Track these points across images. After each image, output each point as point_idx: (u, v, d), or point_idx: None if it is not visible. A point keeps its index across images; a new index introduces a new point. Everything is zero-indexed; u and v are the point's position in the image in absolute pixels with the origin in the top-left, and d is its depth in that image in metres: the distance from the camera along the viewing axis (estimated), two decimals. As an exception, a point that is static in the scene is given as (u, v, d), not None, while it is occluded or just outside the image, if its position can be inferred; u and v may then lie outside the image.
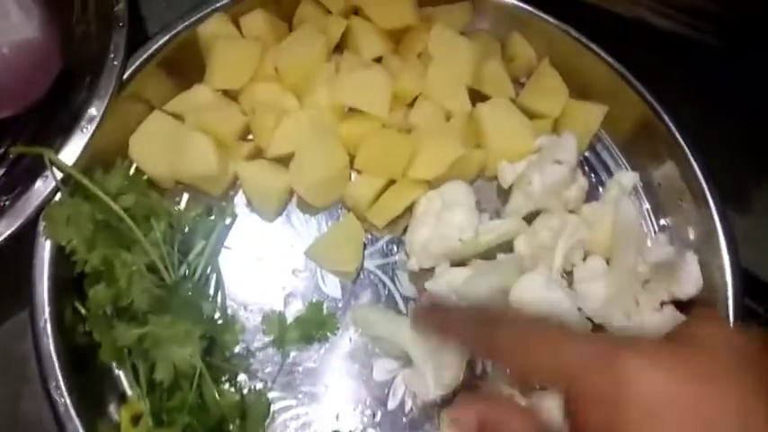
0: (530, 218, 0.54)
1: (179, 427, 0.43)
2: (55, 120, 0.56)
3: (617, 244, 0.51)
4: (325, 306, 0.52)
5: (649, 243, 0.53)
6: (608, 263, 0.52)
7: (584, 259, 0.53)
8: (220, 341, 0.47)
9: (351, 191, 0.54)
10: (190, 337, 0.44)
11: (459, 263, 0.53)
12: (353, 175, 0.55)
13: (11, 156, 0.54)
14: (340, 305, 0.53)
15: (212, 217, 0.53)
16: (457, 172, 0.54)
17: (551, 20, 0.59)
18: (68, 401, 0.44)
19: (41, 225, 0.47)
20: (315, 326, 0.51)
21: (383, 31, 0.57)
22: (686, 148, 0.56)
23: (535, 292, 0.46)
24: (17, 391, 0.50)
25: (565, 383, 0.32)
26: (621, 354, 0.30)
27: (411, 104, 0.57)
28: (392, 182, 0.54)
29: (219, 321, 0.48)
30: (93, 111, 0.50)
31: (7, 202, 0.50)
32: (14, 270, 0.49)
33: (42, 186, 0.48)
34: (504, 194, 0.56)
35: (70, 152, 0.49)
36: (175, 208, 0.51)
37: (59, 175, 0.48)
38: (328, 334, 0.51)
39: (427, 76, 0.55)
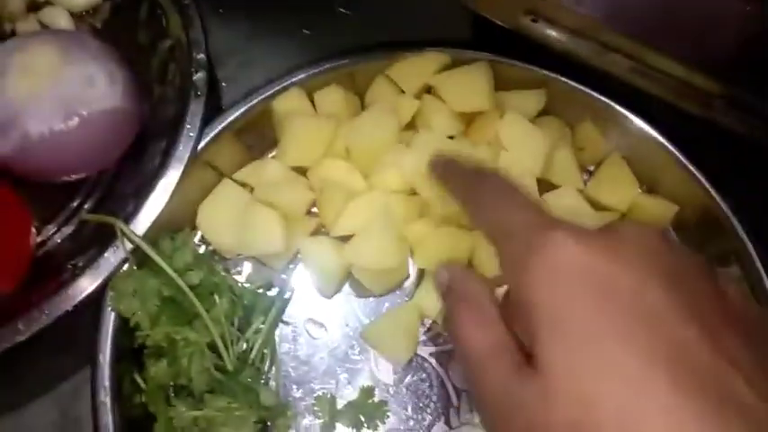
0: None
1: None
2: (127, 183, 0.57)
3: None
4: (376, 392, 0.52)
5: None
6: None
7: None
8: (273, 425, 0.47)
9: (420, 297, 0.54)
10: (245, 421, 0.45)
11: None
12: (420, 283, 0.55)
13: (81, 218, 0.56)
14: (391, 391, 0.53)
15: (272, 292, 0.53)
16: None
17: (625, 112, 0.59)
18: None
19: (108, 295, 0.48)
20: (365, 412, 0.51)
21: (455, 113, 0.57)
22: (754, 254, 0.55)
23: None
24: (71, 452, 0.50)
25: (493, 244, 0.35)
26: (548, 226, 0.33)
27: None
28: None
29: (274, 405, 0.48)
30: (166, 181, 0.51)
31: (78, 266, 0.51)
32: (77, 335, 0.50)
33: (112, 256, 0.49)
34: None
35: (141, 221, 0.50)
36: (238, 284, 0.51)
37: (128, 245, 0.49)
38: (378, 423, 0.51)
39: (498, 165, 0.55)
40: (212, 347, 0.47)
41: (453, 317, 0.36)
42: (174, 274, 0.46)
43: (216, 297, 0.48)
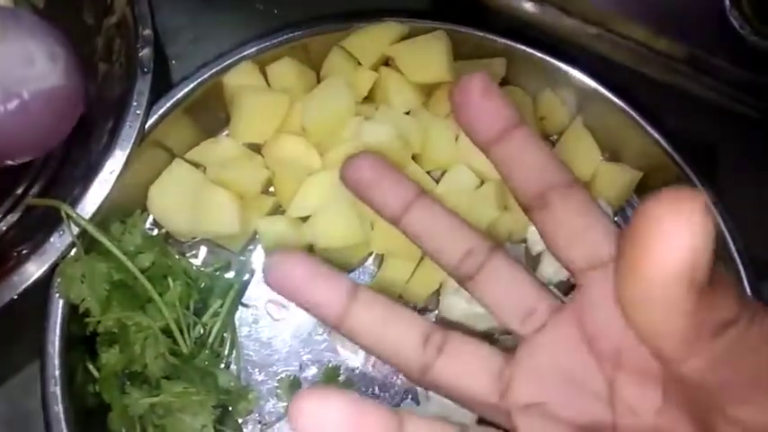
0: (560, 286, 0.52)
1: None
2: (73, 166, 0.55)
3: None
4: (342, 372, 0.51)
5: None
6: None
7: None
8: (234, 409, 0.46)
9: (379, 285, 0.52)
10: (203, 406, 0.43)
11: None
12: (380, 268, 0.53)
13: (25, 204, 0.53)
14: (357, 372, 0.52)
15: (230, 274, 0.51)
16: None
17: (585, 79, 0.58)
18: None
19: (56, 281, 0.46)
20: (330, 393, 0.49)
21: (414, 85, 0.55)
22: (720, 217, 0.54)
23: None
24: (22, 448, 0.48)
25: None
26: None
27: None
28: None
29: (233, 388, 0.46)
30: (113, 162, 0.49)
31: (23, 253, 0.49)
32: (26, 324, 0.47)
33: (58, 241, 0.47)
34: (533, 260, 0.55)
35: (88, 204, 0.48)
36: (193, 266, 0.49)
37: (75, 229, 0.47)
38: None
39: (460, 137, 0.54)
40: (167, 332, 0.45)
41: None
42: (123, 257, 0.44)
43: (169, 280, 0.46)
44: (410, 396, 0.51)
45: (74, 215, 0.46)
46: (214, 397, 0.43)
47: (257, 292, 0.53)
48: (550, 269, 0.52)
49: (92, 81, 0.54)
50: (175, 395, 0.42)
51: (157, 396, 0.43)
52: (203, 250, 0.53)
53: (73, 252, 0.46)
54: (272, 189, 0.55)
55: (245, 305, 0.52)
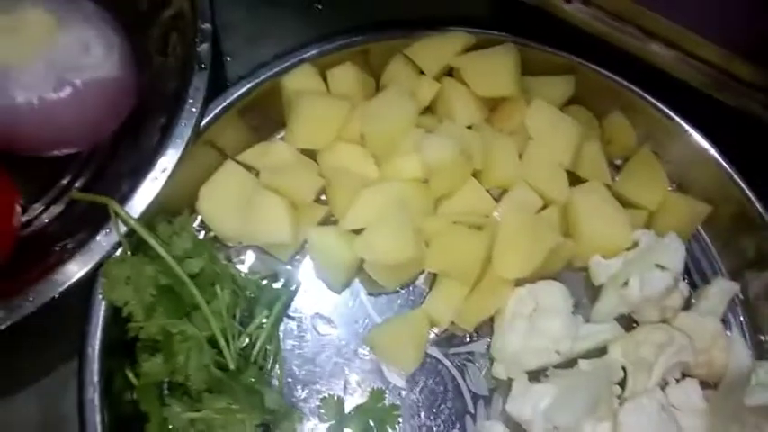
0: (620, 320, 0.50)
1: None
2: (120, 162, 0.53)
3: (723, 388, 0.46)
4: (387, 395, 0.48)
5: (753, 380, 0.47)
6: (701, 384, 0.48)
7: (678, 380, 0.48)
8: (276, 429, 0.44)
9: (431, 305, 0.50)
10: (246, 424, 0.41)
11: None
12: (433, 287, 0.51)
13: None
14: (402, 394, 0.49)
15: (278, 284, 0.49)
16: (545, 265, 0.49)
17: (657, 104, 0.55)
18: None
19: (100, 282, 0.44)
20: (375, 417, 0.47)
21: (478, 98, 0.53)
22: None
23: (646, 418, 0.42)
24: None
25: None
26: None
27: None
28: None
29: (279, 409, 0.44)
30: (165, 160, 0.47)
31: (66, 249, 0.47)
32: (64, 324, 0.45)
33: (104, 240, 0.45)
34: (592, 289, 0.52)
35: (137, 202, 0.46)
36: (241, 275, 0.47)
37: (123, 228, 0.45)
38: (388, 428, 0.47)
39: (524, 156, 0.51)
40: (212, 342, 0.43)
41: None
42: (172, 262, 0.42)
43: (217, 288, 0.44)
44: (458, 426, 0.48)
45: (122, 213, 0.44)
46: (258, 415, 0.41)
47: (303, 304, 0.51)
48: (612, 302, 0.50)
49: (144, 74, 0.52)
50: (218, 411, 0.40)
51: (199, 411, 0.41)
52: (250, 256, 0.51)
53: (118, 252, 0.44)
54: (323, 197, 0.53)
55: (291, 317, 0.50)
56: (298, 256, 0.52)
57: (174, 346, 0.41)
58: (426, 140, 0.50)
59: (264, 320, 0.46)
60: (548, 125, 0.52)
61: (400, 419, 0.47)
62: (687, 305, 0.52)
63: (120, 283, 0.43)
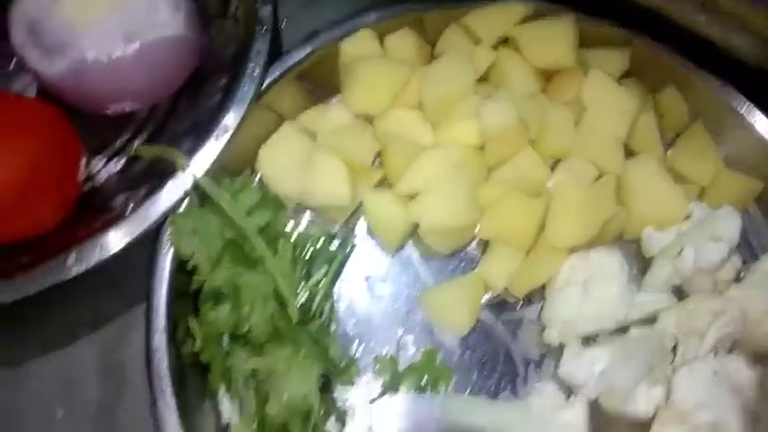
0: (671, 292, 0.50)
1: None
2: (178, 120, 0.54)
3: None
4: (439, 356, 0.49)
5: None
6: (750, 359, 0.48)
7: (729, 351, 0.48)
8: (335, 380, 0.44)
9: (486, 269, 0.50)
10: (309, 373, 0.41)
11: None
12: (486, 253, 0.51)
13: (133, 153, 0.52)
14: (454, 356, 0.50)
15: (335, 245, 0.50)
16: (597, 236, 0.50)
17: (712, 80, 0.55)
18: (176, 420, 0.42)
19: (166, 232, 0.45)
20: (428, 377, 0.48)
21: (535, 69, 0.53)
22: None
23: (700, 383, 0.42)
24: (115, 397, 0.47)
25: None
26: None
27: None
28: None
29: (341, 360, 0.45)
30: (229, 119, 0.48)
31: (135, 200, 0.47)
32: (125, 275, 0.47)
33: (170, 192, 0.46)
34: (643, 261, 0.52)
35: (201, 159, 0.47)
36: (299, 232, 0.48)
37: (189, 180, 0.46)
38: (441, 387, 0.48)
39: (580, 127, 0.52)
40: (275, 296, 0.44)
41: None
42: (238, 215, 0.43)
43: (280, 243, 0.45)
44: (509, 387, 0.49)
45: (189, 168, 0.45)
46: (320, 365, 0.42)
47: (357, 265, 0.51)
48: (664, 273, 0.50)
49: (205, 35, 0.53)
50: (281, 359, 0.41)
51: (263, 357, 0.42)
52: (306, 217, 0.52)
53: (184, 206, 0.45)
54: (379, 162, 0.53)
55: (345, 278, 0.51)
56: (353, 219, 0.53)
57: (240, 297, 0.42)
58: (484, 106, 0.50)
59: (322, 278, 0.47)
60: (604, 97, 0.52)
61: (454, 378, 0.48)
62: (737, 280, 0.52)
63: (187, 234, 0.44)
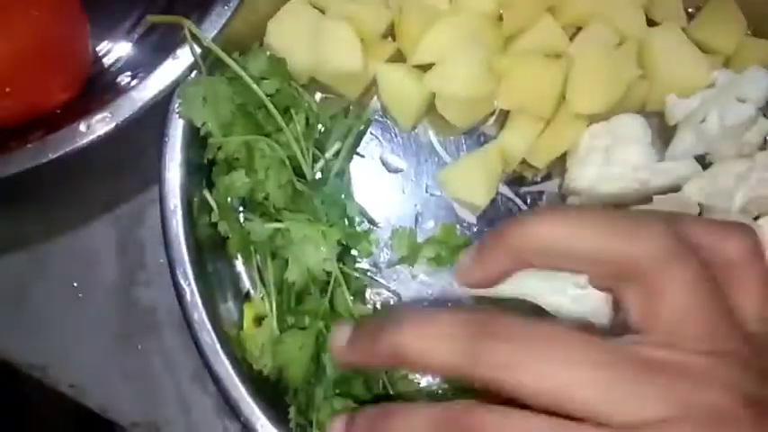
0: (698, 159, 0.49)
1: (311, 332, 0.40)
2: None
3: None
4: (458, 230, 0.48)
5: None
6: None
7: (757, 218, 0.47)
8: (354, 249, 0.44)
9: (505, 140, 0.49)
10: (327, 239, 0.41)
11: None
12: (505, 125, 0.50)
13: (143, 28, 0.51)
14: (474, 230, 0.49)
15: (350, 118, 0.48)
16: (619, 106, 0.48)
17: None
18: (195, 289, 0.41)
19: (176, 103, 0.44)
20: (447, 249, 0.47)
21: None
22: None
23: None
24: (131, 276, 0.47)
25: None
26: None
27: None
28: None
29: (358, 224, 0.44)
30: (236, -15, 0.46)
31: (135, 79, 0.46)
32: (140, 151, 0.46)
33: (174, 65, 0.44)
34: (667, 132, 0.51)
35: (208, 28, 0.45)
36: (314, 104, 0.47)
37: (197, 50, 0.44)
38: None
39: (599, -10, 0.50)
40: (291, 165, 0.43)
41: None
42: (249, 80, 0.42)
43: (293, 112, 0.44)
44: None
45: (197, 33, 0.44)
46: (338, 230, 0.41)
47: (372, 144, 0.50)
48: (688, 140, 0.49)
49: None
50: (298, 225, 0.40)
51: (281, 221, 0.41)
52: (318, 96, 0.50)
53: (193, 75, 0.44)
54: (390, 40, 0.51)
55: (361, 155, 0.50)
56: (365, 97, 0.51)
57: (255, 163, 0.41)
58: (500, -28, 0.48)
59: (339, 151, 0.46)
60: (625, -43, 0.50)
61: (472, 252, 0.48)
62: (764, 148, 0.50)
63: (197, 102, 0.42)
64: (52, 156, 0.43)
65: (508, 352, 0.23)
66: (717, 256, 0.26)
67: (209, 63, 0.44)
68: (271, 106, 0.42)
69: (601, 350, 0.23)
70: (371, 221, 0.49)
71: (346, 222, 0.44)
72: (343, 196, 0.44)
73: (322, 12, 0.50)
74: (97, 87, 0.49)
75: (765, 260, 0.26)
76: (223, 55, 0.43)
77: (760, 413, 0.22)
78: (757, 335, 0.25)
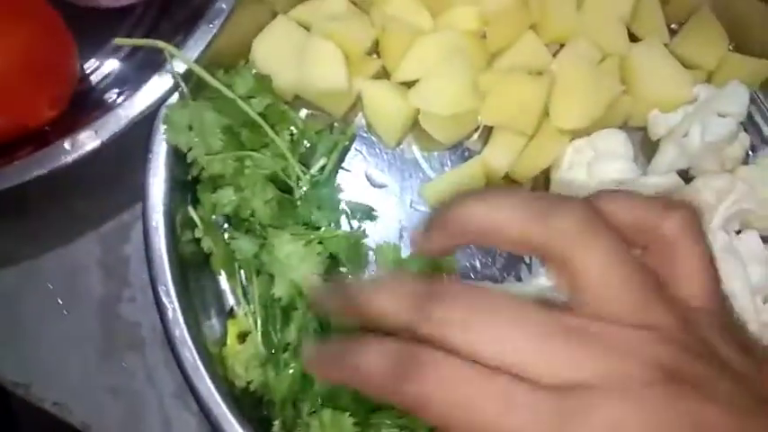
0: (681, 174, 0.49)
1: (298, 349, 0.40)
2: (175, 12, 0.52)
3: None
4: (443, 246, 0.48)
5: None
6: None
7: (739, 232, 0.47)
8: (346, 262, 0.44)
9: (489, 154, 0.49)
10: (314, 252, 0.41)
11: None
12: (489, 140, 0.50)
13: (125, 49, 0.51)
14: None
15: (335, 134, 0.49)
16: (601, 121, 0.49)
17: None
18: (177, 306, 0.41)
19: (160, 126, 0.44)
20: (431, 266, 0.47)
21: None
22: None
23: None
24: (116, 293, 0.47)
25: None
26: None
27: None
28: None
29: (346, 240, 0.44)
30: (221, 4, 0.46)
31: (122, 96, 0.47)
32: (125, 168, 0.46)
33: (159, 82, 0.45)
34: (650, 147, 0.51)
35: (192, 48, 0.45)
36: (299, 120, 0.47)
37: (180, 69, 0.44)
38: (445, 274, 0.47)
39: (582, 8, 0.50)
40: (275, 182, 0.43)
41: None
42: (240, 102, 0.42)
43: (278, 129, 0.44)
44: (513, 273, 0.49)
45: (178, 55, 0.44)
46: (327, 244, 0.41)
47: (356, 160, 0.51)
48: (670, 155, 0.49)
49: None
50: (285, 239, 0.40)
51: (265, 238, 0.41)
52: (303, 112, 0.51)
53: (176, 98, 0.44)
54: (374, 56, 0.52)
55: (346, 170, 0.50)
56: (350, 115, 0.51)
57: (240, 181, 0.42)
58: (481, -10, 0.49)
59: (323, 165, 0.47)
60: (605, -25, 0.51)
61: (455, 267, 0.48)
62: (746, 163, 0.51)
63: (183, 128, 0.43)
64: (38, 173, 0.43)
65: (453, 310, 0.24)
66: (655, 232, 0.26)
67: (193, 80, 0.45)
68: (263, 123, 0.42)
69: (537, 317, 0.24)
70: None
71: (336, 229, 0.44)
72: (334, 201, 0.44)
73: (306, 29, 0.51)
74: (84, 104, 0.49)
75: (704, 237, 0.27)
76: (209, 77, 0.43)
77: (680, 388, 0.23)
78: (701, 309, 0.26)
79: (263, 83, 0.45)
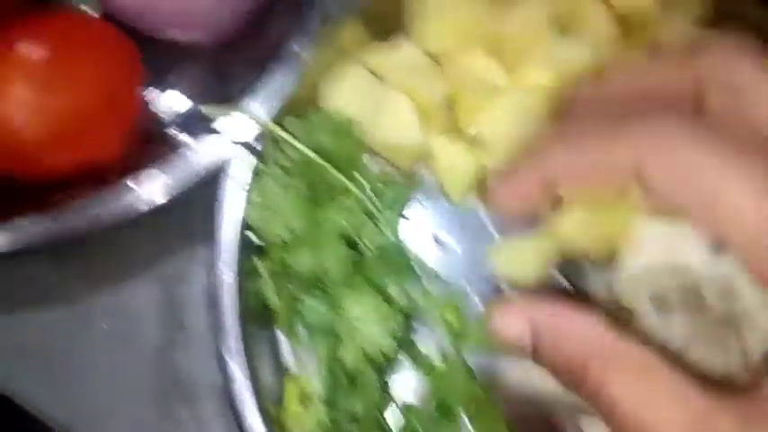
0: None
1: (368, 420, 0.38)
2: (243, 55, 0.51)
3: None
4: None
5: None
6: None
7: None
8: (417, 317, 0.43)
9: (559, 228, 0.46)
10: (388, 317, 0.40)
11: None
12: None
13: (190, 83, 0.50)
14: (520, 307, 0.48)
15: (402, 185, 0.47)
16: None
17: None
18: (239, 361, 0.40)
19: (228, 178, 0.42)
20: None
21: (615, 14, 0.50)
22: None
23: None
24: (172, 338, 0.46)
25: None
26: None
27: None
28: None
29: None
30: (295, 54, 0.45)
31: (185, 133, 0.46)
32: (182, 207, 0.45)
33: (233, 133, 0.43)
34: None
35: (266, 98, 0.44)
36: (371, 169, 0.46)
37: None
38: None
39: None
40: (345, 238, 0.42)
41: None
42: (327, 165, 0.41)
43: (357, 179, 0.42)
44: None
45: (252, 117, 0.42)
46: (400, 307, 0.40)
47: (421, 214, 0.49)
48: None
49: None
50: (359, 299, 0.39)
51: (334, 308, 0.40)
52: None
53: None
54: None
55: (407, 230, 0.49)
56: (416, 167, 0.50)
57: (315, 240, 0.40)
58: (560, 47, 0.48)
59: (390, 220, 0.45)
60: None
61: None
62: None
63: (263, 208, 0.41)
64: (99, 212, 0.42)
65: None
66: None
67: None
68: (345, 180, 0.41)
69: None
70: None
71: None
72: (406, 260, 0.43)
73: (379, 74, 0.50)
74: (147, 136, 0.48)
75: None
76: (298, 144, 0.42)
77: None
78: None
79: (344, 124, 0.43)
